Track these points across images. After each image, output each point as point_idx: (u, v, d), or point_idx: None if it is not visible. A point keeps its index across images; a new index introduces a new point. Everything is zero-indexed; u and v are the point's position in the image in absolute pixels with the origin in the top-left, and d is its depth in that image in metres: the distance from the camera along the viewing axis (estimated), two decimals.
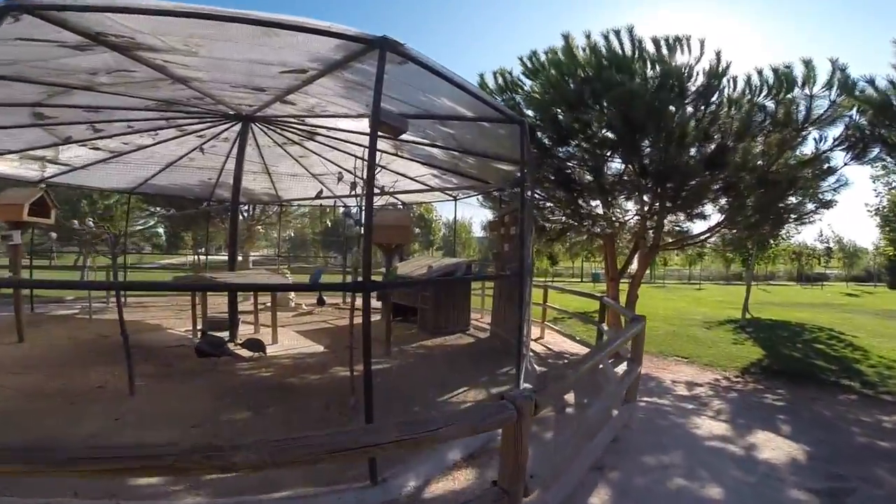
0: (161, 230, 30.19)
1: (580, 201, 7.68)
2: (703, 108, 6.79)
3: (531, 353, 7.22)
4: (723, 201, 7.47)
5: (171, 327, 8.12)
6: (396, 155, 7.63)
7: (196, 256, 14.28)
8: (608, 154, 7.40)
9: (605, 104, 6.96)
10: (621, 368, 6.72)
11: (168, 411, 4.04)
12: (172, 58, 3.70)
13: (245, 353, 6.07)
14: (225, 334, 6.97)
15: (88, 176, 8.83)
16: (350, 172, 5.20)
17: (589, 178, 7.59)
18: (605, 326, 7.01)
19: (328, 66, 3.72)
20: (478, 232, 38.38)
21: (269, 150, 8.57)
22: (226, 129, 7.41)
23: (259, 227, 16.17)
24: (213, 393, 4.66)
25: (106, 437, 3.42)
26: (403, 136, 6.51)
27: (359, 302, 4.13)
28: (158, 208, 17.07)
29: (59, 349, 5.96)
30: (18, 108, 5.16)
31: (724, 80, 6.71)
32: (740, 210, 7.03)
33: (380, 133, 3.13)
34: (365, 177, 4.89)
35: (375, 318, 10.14)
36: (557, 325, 10.37)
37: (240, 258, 16.98)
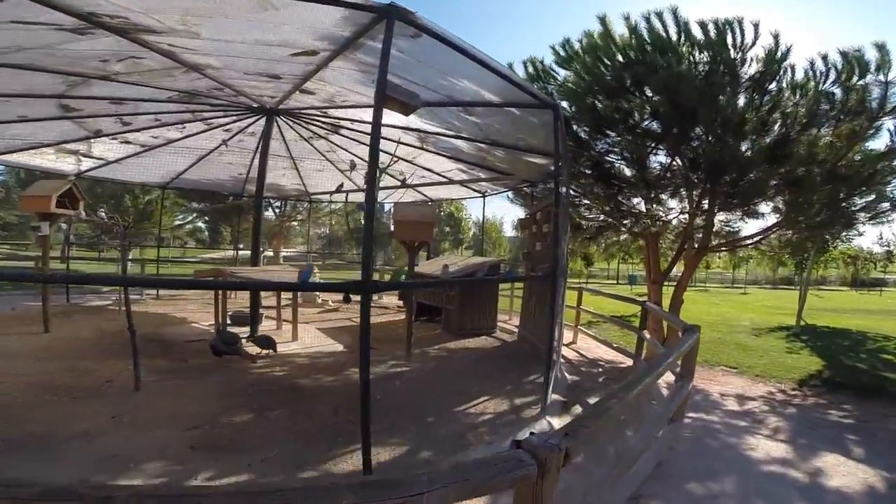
0: (202, 225, 31.18)
1: (620, 197, 7.10)
2: (760, 94, 6.09)
3: (562, 360, 6.73)
4: (780, 199, 6.72)
5: (197, 321, 8.12)
6: (422, 148, 7.30)
7: (234, 251, 14.52)
8: (652, 145, 6.79)
9: (648, 91, 6.37)
10: (665, 381, 6.18)
11: (168, 411, 3.86)
12: (176, 41, 3.50)
13: (255, 350, 5.91)
14: (246, 330, 6.88)
15: (123, 170, 8.98)
16: (364, 161, 4.89)
17: (630, 171, 7.00)
18: (646, 334, 6.43)
19: (338, 44, 3.42)
20: (509, 231, 37.74)
21: (296, 144, 8.44)
22: (252, 123, 7.31)
23: (293, 223, 16.27)
24: (221, 392, 4.47)
25: (97, 436, 3.24)
26: (426, 127, 6.23)
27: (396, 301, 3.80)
28: (194, 203, 17.52)
29: (81, 341, 5.97)
30: (45, 99, 5.16)
31: (784, 65, 5.99)
32: (804, 208, 6.27)
33: (388, 109, 2.79)
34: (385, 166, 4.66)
35: (400, 317, 9.91)
36: (592, 330, 9.80)
37: (271, 253, 17.31)
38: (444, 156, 7.48)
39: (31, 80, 4.41)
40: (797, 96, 6.02)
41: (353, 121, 6.47)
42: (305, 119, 6.96)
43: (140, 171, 8.98)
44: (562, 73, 7.49)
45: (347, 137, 7.48)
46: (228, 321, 8.08)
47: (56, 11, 2.80)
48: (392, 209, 6.79)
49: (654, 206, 7.29)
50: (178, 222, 21.75)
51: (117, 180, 10.05)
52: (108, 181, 11.03)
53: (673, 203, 7.57)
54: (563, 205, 5.23)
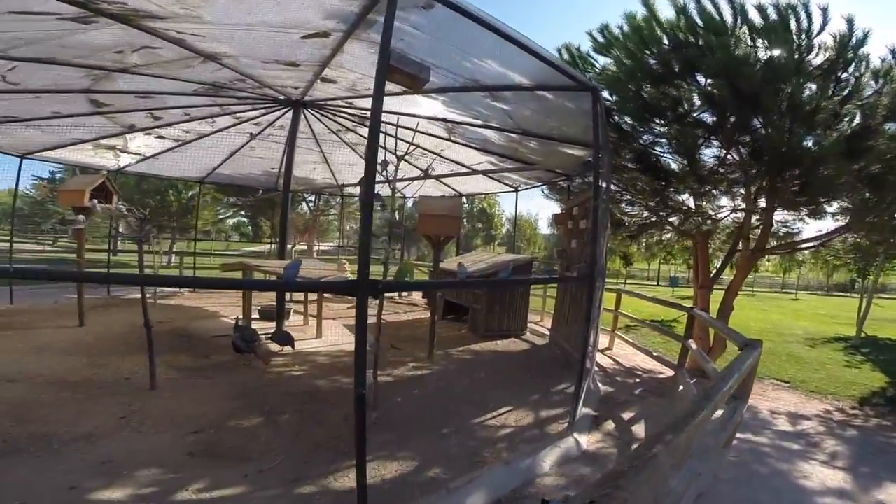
0: (245, 219, 32.09)
1: (668, 192, 6.51)
2: (832, 83, 5.36)
3: (595, 368, 6.27)
4: (850, 197, 5.95)
5: (227, 315, 8.15)
6: (450, 140, 6.98)
7: (270, 245, 14.79)
8: (704, 136, 6.17)
9: (699, 77, 5.77)
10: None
11: (178, 412, 3.75)
12: (182, 27, 3.35)
13: (275, 347, 5.81)
14: (272, 326, 6.83)
15: (160, 165, 9.17)
16: (384, 149, 4.62)
17: (678, 164, 6.42)
18: (692, 344, 5.86)
19: (348, 23, 3.16)
20: (544, 228, 36.68)
21: (325, 138, 8.32)
22: (279, 116, 7.23)
23: (328, 217, 16.35)
24: (235, 392, 4.34)
25: (99, 439, 3.14)
26: (451, 115, 5.90)
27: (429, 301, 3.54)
28: (230, 198, 17.98)
29: (112, 335, 6.05)
30: (75, 95, 5.20)
31: (860, 53, 5.24)
32: (880, 208, 5.52)
33: (393, 83, 2.48)
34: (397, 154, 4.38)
35: (428, 315, 9.67)
36: (629, 335, 9.21)
37: (304, 247, 17.52)
38: (472, 147, 7.12)
39: (56, 76, 4.42)
40: (878, 83, 5.27)
41: (387, 112, 6.22)
42: (332, 111, 6.79)
43: (176, 165, 9.14)
44: (600, 61, 6.97)
45: (390, 135, 7.25)
46: (256, 315, 8.11)
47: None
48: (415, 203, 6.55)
49: (705, 202, 6.66)
50: (220, 216, 22.45)
51: (156, 175, 10.31)
52: (148, 176, 11.36)
53: (725, 200, 6.90)
54: (602, 198, 4.78)
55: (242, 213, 22.67)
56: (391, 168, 4.01)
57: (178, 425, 3.50)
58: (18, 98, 4.82)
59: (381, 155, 7.09)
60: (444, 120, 6.05)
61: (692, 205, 6.61)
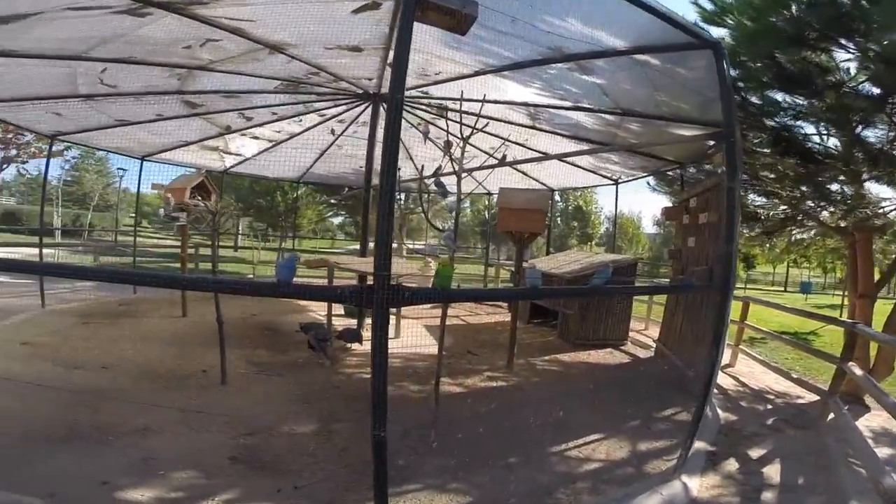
0: (350, 218, 33.95)
1: (820, 179, 5.17)
2: None
3: (714, 389, 5.16)
4: None
5: (317, 310, 8.32)
6: (533, 127, 6.30)
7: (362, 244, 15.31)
8: (864, 110, 4.74)
9: (860, 38, 4.41)
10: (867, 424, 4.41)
11: (237, 410, 3.66)
12: (229, 11, 3.19)
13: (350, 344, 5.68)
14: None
15: (259, 166, 9.71)
16: (448, 132, 4.16)
17: (830, 145, 5.05)
18: (855, 369, 4.52)
19: None
20: (648, 227, 33.23)
21: (408, 133, 8.10)
22: (361, 112, 7.16)
23: (417, 215, 16.39)
24: (299, 392, 4.20)
25: (152, 433, 3.11)
26: (533, 98, 5.21)
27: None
28: (324, 196, 18.89)
29: (206, 326, 6.30)
30: (170, 96, 5.51)
31: None
32: None
33: (428, 24, 1.97)
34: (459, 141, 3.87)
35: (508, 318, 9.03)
36: (754, 349, 7.70)
37: (395, 245, 17.74)
38: (561, 134, 6.36)
39: (146, 77, 4.64)
40: None
41: (454, 99, 5.78)
42: (409, 104, 6.53)
43: (273, 166, 9.59)
44: (714, 33, 5.74)
45: (453, 121, 6.84)
46: (343, 311, 8.18)
47: None
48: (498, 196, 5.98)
49: (867, 190, 5.17)
50: (324, 216, 23.89)
51: (257, 175, 10.99)
52: (249, 177, 12.20)
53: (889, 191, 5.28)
54: (737, 178, 3.80)
55: (343, 212, 23.88)
56: (457, 152, 3.51)
57: (232, 425, 3.38)
58: (122, 101, 5.20)
59: (433, 135, 6.54)
60: (526, 104, 5.41)
61: (851, 193, 5.16)
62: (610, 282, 3.52)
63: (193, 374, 4.47)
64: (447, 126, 5.83)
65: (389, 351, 6.14)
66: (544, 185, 9.89)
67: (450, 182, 4.07)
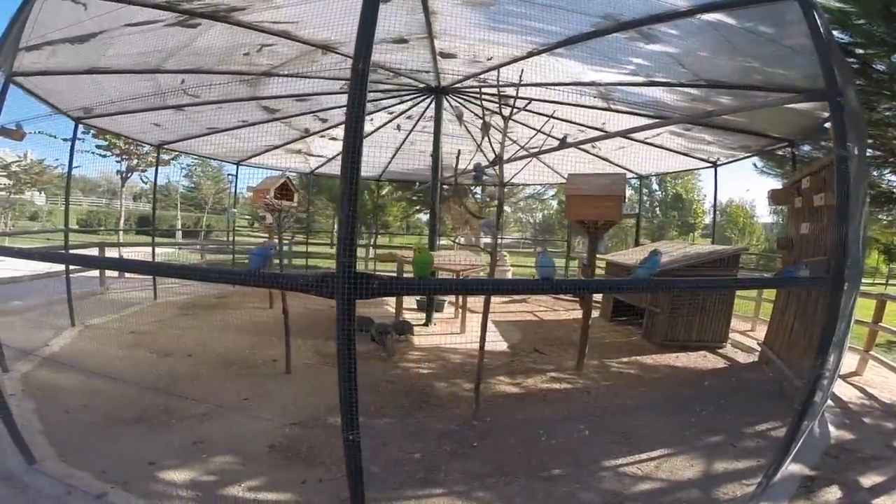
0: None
1: None
2: None
3: (830, 401, 4.27)
4: None
5: (391, 303, 8.48)
6: (608, 109, 5.73)
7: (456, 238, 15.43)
8: None
9: None
10: None
11: (293, 399, 3.82)
12: (270, 15, 3.27)
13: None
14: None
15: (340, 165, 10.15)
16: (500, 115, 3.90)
17: None
18: None
19: None
20: (764, 216, 28.80)
21: (476, 124, 7.92)
22: (427, 107, 7.14)
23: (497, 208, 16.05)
24: (358, 385, 4.25)
25: (209, 419, 3.33)
26: (599, 76, 4.69)
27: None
28: (406, 193, 19.26)
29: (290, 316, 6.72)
30: (248, 103, 5.93)
31: None
32: None
33: None
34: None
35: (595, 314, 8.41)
36: (890, 355, 6.29)
37: (467, 240, 17.57)
38: (641, 114, 5.71)
39: (222, 87, 5.01)
40: None
41: (513, 84, 5.48)
42: (469, 94, 6.37)
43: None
44: None
45: (516, 108, 6.50)
46: (415, 305, 8.26)
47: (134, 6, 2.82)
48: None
49: None
50: (410, 212, 24.55)
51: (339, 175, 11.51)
52: (335, 177, 12.82)
53: None
54: (853, 155, 3.08)
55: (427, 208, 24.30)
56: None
57: (284, 413, 3.52)
58: (206, 110, 5.69)
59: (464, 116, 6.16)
60: (594, 84, 4.93)
61: None
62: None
63: (264, 362, 4.77)
64: (499, 110, 5.58)
65: (452, 347, 6.02)
66: (631, 171, 9.08)
67: (492, 169, 3.82)
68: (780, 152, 6.29)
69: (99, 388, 3.73)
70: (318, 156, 9.34)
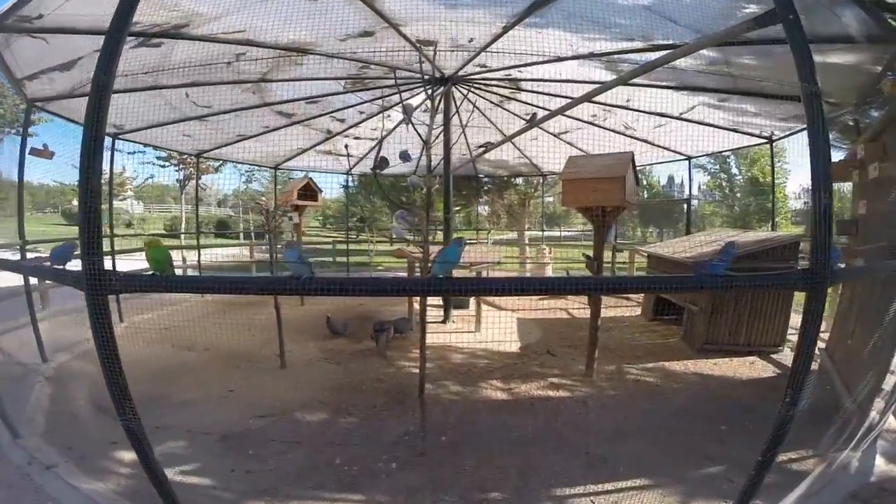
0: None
1: None
2: None
3: (886, 425, 3.51)
4: None
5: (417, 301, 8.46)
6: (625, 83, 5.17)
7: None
8: None
9: None
10: None
11: (274, 393, 3.95)
12: (217, 26, 3.33)
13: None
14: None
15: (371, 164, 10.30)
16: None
17: None
18: None
19: None
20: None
21: (494, 114, 7.60)
22: (439, 99, 6.97)
23: (536, 200, 15.44)
24: (339, 382, 4.30)
25: (194, 405, 3.58)
26: (586, 46, 4.21)
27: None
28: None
29: (310, 316, 6.95)
30: (262, 108, 6.17)
31: None
32: None
33: None
34: None
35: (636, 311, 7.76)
36: None
37: (514, 235, 17.00)
38: (664, 86, 5.11)
39: (228, 96, 5.24)
40: None
41: (514, 67, 5.15)
42: (478, 83, 6.13)
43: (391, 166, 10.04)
44: None
45: (532, 91, 6.13)
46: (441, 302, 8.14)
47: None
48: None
49: None
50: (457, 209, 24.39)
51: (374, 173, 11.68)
52: (368, 175, 13.00)
53: None
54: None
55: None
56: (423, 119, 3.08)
57: (255, 406, 3.63)
58: (230, 118, 6.00)
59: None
60: (599, 55, 4.47)
61: None
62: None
63: (267, 357, 4.94)
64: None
65: (460, 345, 5.85)
66: (679, 153, 8.23)
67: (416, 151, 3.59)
68: (845, 120, 5.31)
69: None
70: (350, 155, 9.52)
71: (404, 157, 3.74)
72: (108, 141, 5.85)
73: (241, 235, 18.44)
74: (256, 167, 14.27)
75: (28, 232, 4.57)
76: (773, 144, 6.70)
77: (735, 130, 6.50)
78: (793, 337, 5.77)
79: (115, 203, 25.09)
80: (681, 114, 6.12)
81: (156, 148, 8.69)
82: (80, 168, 1.56)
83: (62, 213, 26.09)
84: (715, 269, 2.09)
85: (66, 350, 4.86)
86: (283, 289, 2.30)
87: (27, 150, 4.19)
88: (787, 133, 6.24)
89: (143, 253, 2.06)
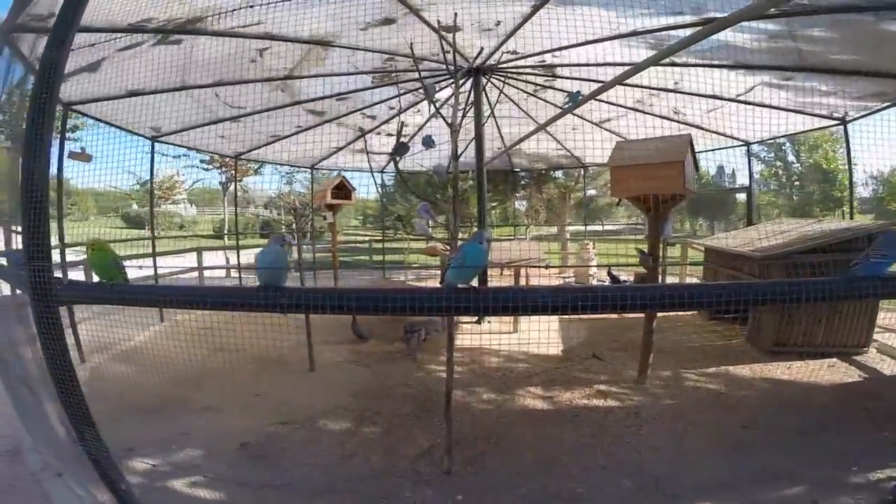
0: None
1: None
2: None
3: None
4: None
5: None
6: (673, 64, 4.70)
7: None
8: None
9: None
10: None
11: (298, 398, 3.82)
12: (233, 20, 3.20)
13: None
14: None
15: (414, 160, 10.12)
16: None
17: None
18: None
19: None
20: None
21: (528, 105, 7.22)
22: (469, 91, 6.70)
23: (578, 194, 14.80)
24: (366, 387, 4.14)
25: (218, 411, 3.48)
26: (637, 22, 3.77)
27: None
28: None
29: (345, 318, 6.83)
30: (296, 107, 6.10)
31: None
32: None
33: None
34: None
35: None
36: None
37: (547, 230, 16.37)
38: (714, 65, 4.59)
39: (258, 95, 5.19)
40: None
41: (548, 51, 4.79)
42: (506, 71, 5.81)
43: (417, 159, 9.86)
44: None
45: (573, 78, 5.72)
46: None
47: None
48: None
49: None
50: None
51: (410, 171, 11.53)
52: (403, 172, 12.90)
53: None
54: None
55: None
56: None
57: (279, 412, 3.50)
58: (261, 118, 5.97)
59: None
60: (635, 33, 4.04)
61: None
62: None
63: (297, 360, 4.83)
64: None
65: (495, 348, 5.56)
66: (735, 138, 7.54)
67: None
68: None
69: (141, 381, 4.10)
70: (381, 153, 9.39)
71: (427, 142, 3.47)
72: (147, 144, 5.98)
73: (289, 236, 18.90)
74: (295, 168, 14.47)
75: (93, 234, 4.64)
76: (847, 126, 5.95)
77: (801, 112, 5.81)
78: (880, 336, 5.10)
79: (169, 207, 26.44)
80: (737, 96, 5.53)
81: (198, 151, 8.91)
82: (22, 160, 1.39)
83: (122, 217, 27.72)
84: (877, 270, 1.58)
85: (105, 351, 4.95)
86: (248, 304, 1.64)
87: (66, 154, 4.28)
88: (864, 113, 5.48)
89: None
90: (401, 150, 3.02)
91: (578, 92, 4.21)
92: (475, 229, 6.61)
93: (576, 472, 2.75)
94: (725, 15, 3.19)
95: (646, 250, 4.42)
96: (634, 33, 3.98)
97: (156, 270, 6.74)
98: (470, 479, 2.64)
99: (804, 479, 2.68)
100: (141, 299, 1.93)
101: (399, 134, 3.01)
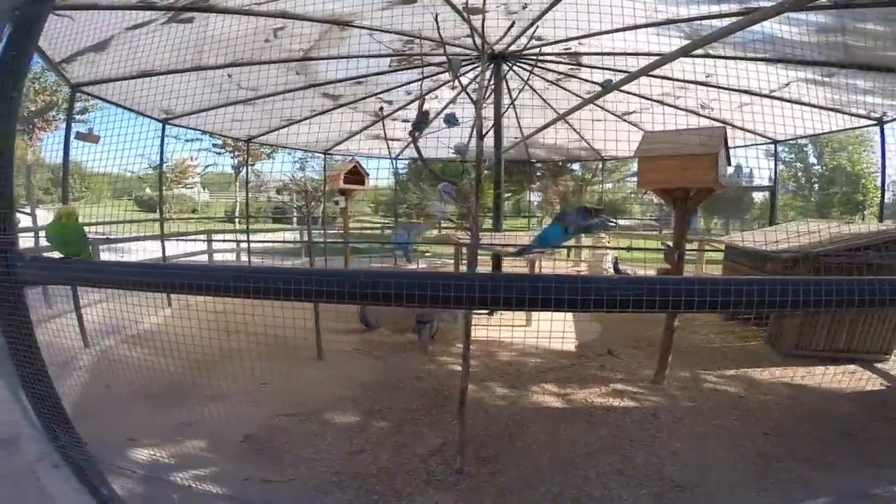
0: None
1: None
2: None
3: None
4: None
5: None
6: (707, 56, 4.48)
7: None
8: None
9: None
10: None
11: (305, 389, 3.72)
12: None
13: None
14: None
15: (431, 148, 9.97)
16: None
17: None
18: None
19: None
20: None
21: (552, 94, 7.02)
22: (490, 77, 6.51)
23: (599, 186, 14.56)
24: (374, 380, 4.05)
25: (223, 399, 3.38)
26: (675, 10, 3.55)
27: None
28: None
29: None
30: (310, 90, 5.97)
31: None
32: None
33: None
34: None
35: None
36: None
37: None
38: (751, 58, 4.37)
39: (272, 77, 5.06)
40: None
41: (575, 38, 4.59)
42: (527, 59, 5.62)
43: (435, 146, 9.71)
44: None
45: (599, 67, 5.51)
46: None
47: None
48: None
49: None
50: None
51: (429, 158, 11.40)
52: (425, 159, 12.75)
53: None
54: None
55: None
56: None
57: (285, 402, 3.44)
58: (276, 101, 5.85)
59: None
60: (669, 22, 3.84)
61: None
62: None
63: (305, 348, 4.74)
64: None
65: (507, 342, 5.43)
66: (763, 136, 7.28)
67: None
68: None
69: (148, 365, 4.04)
70: (400, 139, 9.25)
71: (450, 120, 3.33)
72: (158, 126, 5.89)
73: (295, 221, 18.90)
74: (309, 153, 14.35)
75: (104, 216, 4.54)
76: (884, 127, 5.69)
77: (837, 111, 5.55)
78: None
79: (183, 191, 26.44)
80: (771, 91, 5.30)
81: (211, 135, 8.82)
82: None
83: (134, 200, 27.86)
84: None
85: (112, 335, 4.90)
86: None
87: (73, 135, 4.21)
88: None
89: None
90: (423, 120, 2.87)
91: (609, 80, 4.02)
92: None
93: (592, 475, 2.64)
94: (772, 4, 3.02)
95: (672, 244, 4.27)
96: (669, 21, 3.77)
97: (164, 252, 6.71)
98: (483, 480, 2.55)
99: (831, 490, 2.57)
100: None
101: (421, 107, 2.84)
